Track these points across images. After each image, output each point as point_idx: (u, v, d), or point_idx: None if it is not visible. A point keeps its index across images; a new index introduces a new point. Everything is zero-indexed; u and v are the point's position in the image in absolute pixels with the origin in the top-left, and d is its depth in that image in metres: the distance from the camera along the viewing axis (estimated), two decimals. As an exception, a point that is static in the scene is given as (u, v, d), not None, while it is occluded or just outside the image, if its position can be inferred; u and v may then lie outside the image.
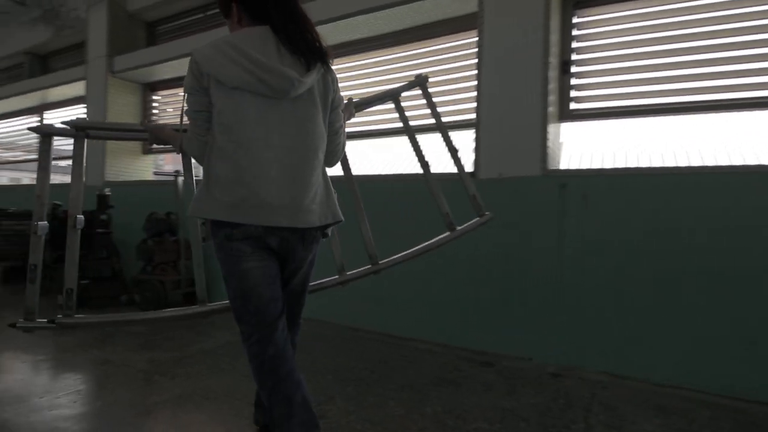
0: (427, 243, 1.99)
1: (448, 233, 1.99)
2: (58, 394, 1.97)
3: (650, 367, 2.23)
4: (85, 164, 1.72)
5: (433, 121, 2.09)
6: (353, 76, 3.51)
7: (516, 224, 2.56)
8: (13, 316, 1.62)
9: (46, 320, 1.48)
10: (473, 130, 2.81)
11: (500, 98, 2.70)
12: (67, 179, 1.71)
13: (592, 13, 2.76)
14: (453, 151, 2.05)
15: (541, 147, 2.56)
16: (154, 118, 5.03)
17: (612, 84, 2.70)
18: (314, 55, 1.32)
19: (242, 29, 1.35)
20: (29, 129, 1.47)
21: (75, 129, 1.53)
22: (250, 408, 1.75)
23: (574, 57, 2.81)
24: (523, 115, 2.63)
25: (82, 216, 1.55)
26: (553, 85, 2.66)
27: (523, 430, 1.73)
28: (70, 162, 1.60)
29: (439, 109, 2.10)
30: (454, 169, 2.10)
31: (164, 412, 1.85)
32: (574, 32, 2.80)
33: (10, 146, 6.94)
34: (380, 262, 1.92)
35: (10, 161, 7.30)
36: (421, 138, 2.10)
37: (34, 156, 5.97)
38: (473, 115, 2.85)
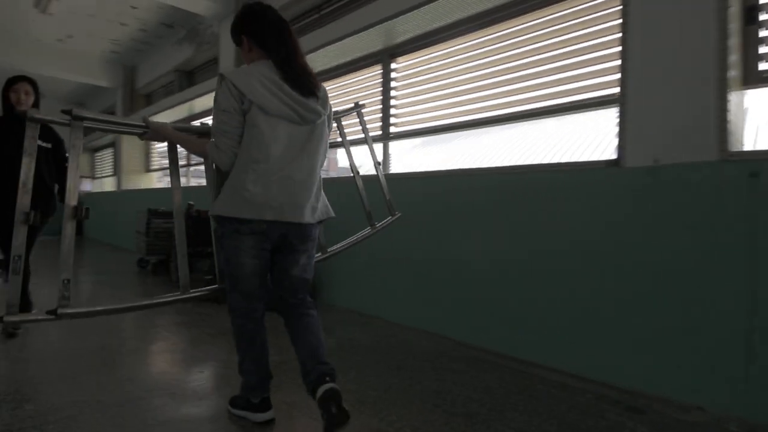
0: (352, 238, 2.46)
1: (369, 229, 2.51)
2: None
3: None
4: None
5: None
6: (487, 51, 3.14)
7: (683, 228, 1.95)
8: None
9: (46, 312, 1.45)
10: (615, 107, 2.25)
11: (654, 63, 2.09)
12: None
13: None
14: (376, 163, 2.60)
15: (717, 122, 1.90)
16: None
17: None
18: (313, 89, 1.67)
19: (259, 61, 1.64)
20: (27, 117, 1.47)
21: (71, 118, 1.51)
22: None
23: (763, 0, 2.06)
24: (688, 82, 1.99)
25: (74, 204, 1.50)
26: (734, 41, 1.98)
27: None
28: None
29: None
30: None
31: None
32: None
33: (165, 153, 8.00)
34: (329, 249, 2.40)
35: (165, 167, 8.44)
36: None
37: (184, 162, 6.76)
38: (615, 89, 2.29)
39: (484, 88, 3.17)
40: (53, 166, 2.83)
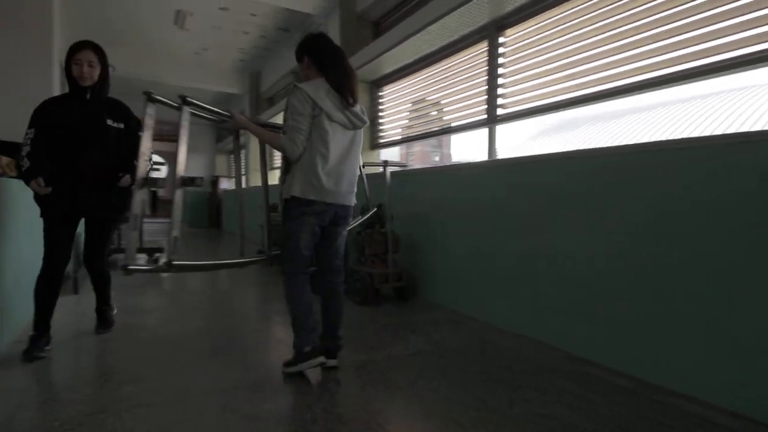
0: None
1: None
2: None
3: None
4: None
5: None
6: (612, 10, 2.64)
7: None
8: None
9: (163, 263, 1.79)
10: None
11: None
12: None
13: None
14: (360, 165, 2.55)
15: None
16: (381, 114, 5.16)
17: None
18: (353, 103, 2.02)
19: (318, 79, 2.01)
20: (143, 92, 1.81)
21: (182, 102, 1.89)
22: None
23: None
24: None
25: (182, 175, 1.86)
26: None
27: None
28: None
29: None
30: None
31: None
32: None
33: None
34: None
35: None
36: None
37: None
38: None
39: (609, 54, 2.64)
40: (123, 149, 2.34)
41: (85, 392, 1.80)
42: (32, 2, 3.65)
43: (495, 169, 2.96)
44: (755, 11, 2.00)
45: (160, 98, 1.85)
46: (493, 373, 2.07)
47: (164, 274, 4.52)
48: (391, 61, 4.56)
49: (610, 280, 2.16)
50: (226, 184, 11.33)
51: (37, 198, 2.18)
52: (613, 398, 1.82)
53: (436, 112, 4.32)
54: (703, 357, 1.81)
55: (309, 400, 1.76)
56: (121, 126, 2.35)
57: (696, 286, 1.83)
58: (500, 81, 3.45)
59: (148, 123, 1.81)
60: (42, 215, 2.21)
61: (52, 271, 2.21)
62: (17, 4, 3.63)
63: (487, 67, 3.56)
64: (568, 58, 2.89)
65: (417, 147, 50.43)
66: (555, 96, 2.98)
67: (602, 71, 2.68)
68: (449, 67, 4.06)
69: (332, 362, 2.06)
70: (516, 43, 3.33)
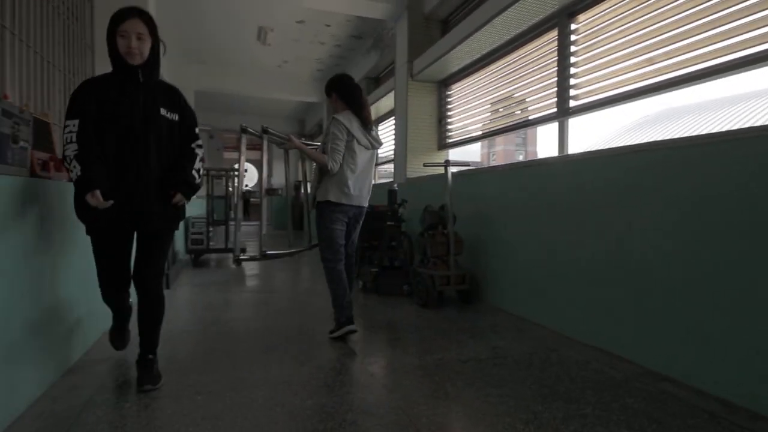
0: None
1: None
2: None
3: None
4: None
5: None
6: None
7: None
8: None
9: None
10: None
11: None
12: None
13: None
14: None
15: None
16: (449, 113, 5.07)
17: None
18: (372, 129, 2.68)
19: (347, 111, 2.59)
20: (241, 127, 2.32)
21: (262, 131, 3.11)
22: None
23: None
24: None
25: (266, 186, 2.20)
26: None
27: None
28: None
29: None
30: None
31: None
32: None
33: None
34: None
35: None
36: None
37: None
38: None
39: (696, 32, 2.32)
40: (176, 146, 1.89)
41: (190, 349, 1.99)
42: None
43: (563, 166, 2.75)
44: None
45: (250, 130, 2.86)
46: (553, 385, 1.92)
47: (240, 274, 4.87)
48: (458, 58, 4.45)
49: (695, 288, 1.90)
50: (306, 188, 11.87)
51: (82, 210, 1.72)
52: (688, 421, 1.59)
53: (502, 109, 4.13)
54: (809, 382, 1.51)
55: (351, 400, 1.77)
56: (176, 118, 1.87)
57: (799, 296, 1.54)
58: (572, 71, 3.21)
59: (243, 149, 2.25)
60: (89, 232, 1.79)
61: (114, 298, 1.94)
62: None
63: (557, 57, 3.33)
64: (649, 39, 2.59)
65: (500, 146, 48.84)
66: (636, 82, 2.68)
67: (689, 51, 2.37)
68: (517, 60, 3.86)
69: (351, 327, 2.56)
70: (590, 29, 3.07)
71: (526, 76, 3.70)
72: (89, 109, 1.69)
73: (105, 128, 1.70)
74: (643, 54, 2.63)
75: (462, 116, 4.80)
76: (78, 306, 2.14)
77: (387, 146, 6.84)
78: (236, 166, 5.27)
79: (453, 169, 3.47)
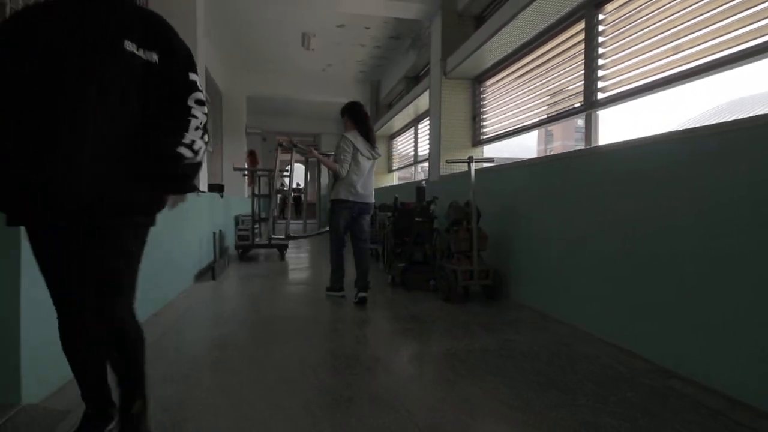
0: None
1: None
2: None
3: None
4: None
5: None
6: None
7: None
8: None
9: None
10: None
11: None
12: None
13: None
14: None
15: None
16: (483, 110, 5.06)
17: None
18: (374, 144, 3.44)
19: (354, 130, 3.37)
20: (277, 140, 3.34)
21: (291, 144, 4.10)
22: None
23: None
24: None
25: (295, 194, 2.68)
26: None
27: None
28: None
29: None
30: None
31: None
32: None
33: (403, 156, 8.81)
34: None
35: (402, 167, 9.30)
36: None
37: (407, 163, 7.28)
38: None
39: (731, 12, 2.19)
40: (155, 102, 1.22)
41: (189, 353, 2.22)
42: (182, 24, 4.51)
43: (588, 158, 2.70)
44: None
45: (284, 144, 4.10)
46: (554, 377, 1.93)
47: (281, 267, 5.14)
48: (490, 54, 4.44)
49: (710, 284, 1.84)
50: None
51: None
52: (685, 416, 1.56)
53: (534, 103, 4.08)
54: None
55: (352, 381, 1.89)
56: (153, 58, 1.21)
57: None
58: (600, 62, 3.13)
59: (277, 160, 2.69)
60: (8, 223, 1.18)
61: (67, 329, 1.27)
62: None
63: (584, 49, 3.26)
64: (683, 23, 2.45)
65: (558, 141, 46.79)
66: (668, 69, 2.54)
67: (726, 33, 2.23)
68: (546, 53, 3.81)
69: (363, 294, 3.29)
70: (616, 19, 2.98)
71: (556, 70, 3.65)
72: (8, 42, 1.11)
73: (34, 73, 1.10)
74: (675, 39, 2.51)
75: (496, 112, 4.77)
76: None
77: (423, 145, 6.91)
78: (286, 168, 5.75)
79: (476, 166, 3.49)
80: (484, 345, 2.36)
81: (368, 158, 3.38)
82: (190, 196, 1.42)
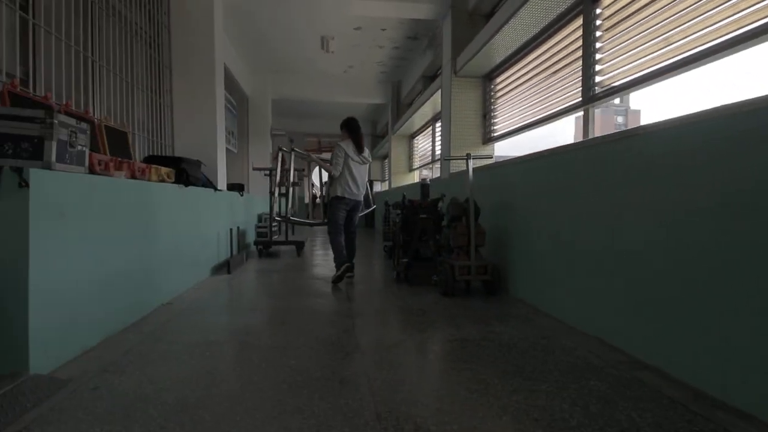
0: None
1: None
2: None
3: None
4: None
5: None
6: None
7: None
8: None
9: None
10: None
11: None
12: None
13: None
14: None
15: None
16: (494, 106, 5.07)
17: None
18: (363, 151, 4.25)
19: (348, 140, 4.17)
20: (279, 148, 4.10)
21: (290, 149, 5.05)
22: None
23: None
24: None
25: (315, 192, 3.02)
26: None
27: None
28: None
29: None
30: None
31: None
32: None
33: (424, 155, 8.87)
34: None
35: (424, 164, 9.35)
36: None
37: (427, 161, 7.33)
38: None
39: None
40: None
41: (223, 325, 2.41)
42: (201, 50, 4.78)
43: (583, 151, 2.70)
44: None
45: (284, 149, 5.11)
46: (523, 365, 1.98)
47: (297, 263, 5.32)
48: (498, 51, 4.47)
49: (683, 279, 1.84)
50: (378, 187, 12.31)
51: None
52: (641, 404, 1.59)
53: (541, 99, 4.07)
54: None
55: (328, 364, 2.01)
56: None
57: None
58: (597, 57, 3.12)
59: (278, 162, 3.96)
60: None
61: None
62: (190, 49, 4.80)
63: (582, 44, 3.25)
64: (683, 10, 2.41)
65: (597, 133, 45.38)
66: (668, 59, 2.48)
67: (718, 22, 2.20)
68: (549, 49, 3.80)
69: (350, 275, 4.16)
70: (614, 10, 2.96)
71: (557, 65, 3.64)
72: None
73: None
74: (676, 26, 2.47)
75: (505, 108, 4.78)
76: (135, 272, 2.65)
77: (441, 144, 6.95)
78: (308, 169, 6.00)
79: (473, 163, 3.53)
80: (465, 335, 2.42)
81: (360, 162, 4.19)
82: (207, 193, 2.18)
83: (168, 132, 4.65)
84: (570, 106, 3.40)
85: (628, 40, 2.81)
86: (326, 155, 7.41)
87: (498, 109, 4.94)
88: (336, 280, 3.92)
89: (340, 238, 4.10)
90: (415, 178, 9.34)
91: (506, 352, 2.16)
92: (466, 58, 4.78)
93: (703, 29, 2.26)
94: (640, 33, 2.69)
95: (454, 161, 5.13)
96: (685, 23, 2.37)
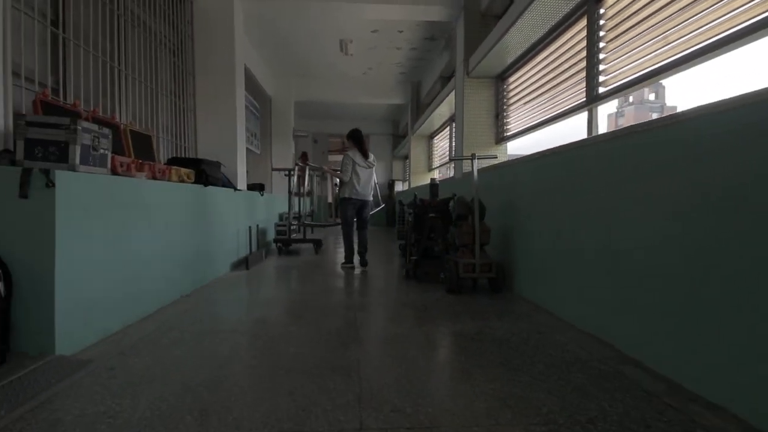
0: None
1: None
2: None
3: None
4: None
5: None
6: None
7: None
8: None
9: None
10: None
11: None
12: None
13: None
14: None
15: None
16: (505, 106, 5.10)
17: None
18: (368, 157, 4.98)
19: (354, 148, 4.91)
20: (296, 163, 4.48)
21: (303, 163, 6.42)
22: None
23: None
24: None
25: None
26: None
27: None
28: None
29: None
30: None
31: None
32: None
33: (443, 154, 8.90)
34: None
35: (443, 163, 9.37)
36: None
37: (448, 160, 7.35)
38: None
39: None
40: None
41: (236, 316, 2.59)
42: (222, 57, 5.02)
43: (582, 150, 2.74)
44: None
45: (299, 163, 6.26)
46: (511, 358, 2.05)
47: (313, 261, 5.49)
48: (509, 51, 4.49)
49: (673, 276, 1.88)
50: (400, 187, 12.40)
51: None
52: (615, 395, 1.64)
53: (545, 100, 4.09)
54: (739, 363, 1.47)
55: (322, 354, 2.14)
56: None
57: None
58: (601, 56, 3.13)
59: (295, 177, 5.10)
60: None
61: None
62: (211, 56, 5.04)
63: (585, 45, 3.27)
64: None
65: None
66: (671, 56, 2.45)
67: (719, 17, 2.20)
68: (557, 49, 3.82)
69: (363, 268, 4.81)
70: (617, 10, 2.97)
71: (565, 65, 3.66)
72: None
73: None
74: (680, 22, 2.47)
75: (516, 106, 4.80)
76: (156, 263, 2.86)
77: (444, 146, 6.98)
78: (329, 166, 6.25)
79: (478, 163, 3.60)
80: (461, 330, 2.50)
81: (365, 167, 4.88)
82: (227, 192, 2.58)
83: (191, 135, 4.90)
84: (575, 106, 3.42)
85: (629, 39, 2.81)
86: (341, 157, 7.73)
87: (510, 109, 4.96)
88: (343, 266, 4.86)
89: (351, 233, 4.91)
90: (436, 176, 9.40)
91: (497, 345, 2.24)
92: (478, 58, 4.83)
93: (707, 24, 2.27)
94: (642, 32, 2.70)
95: (468, 161, 5.18)
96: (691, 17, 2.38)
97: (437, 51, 7.54)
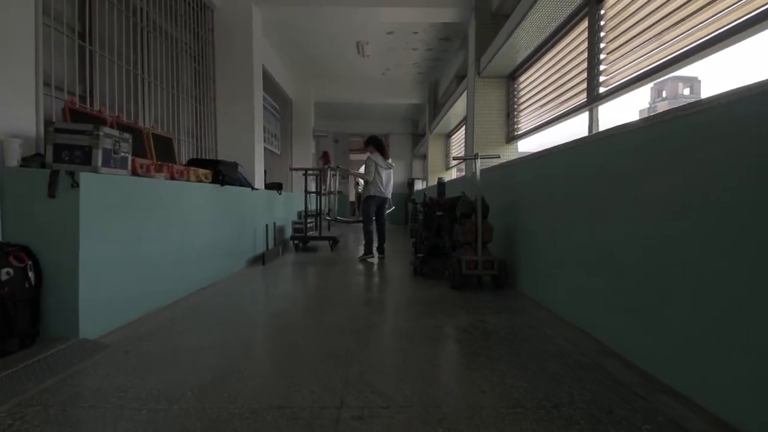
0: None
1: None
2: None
3: None
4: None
5: None
6: None
7: None
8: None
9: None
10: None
11: None
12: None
13: None
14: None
15: None
16: (516, 105, 5.13)
17: None
18: (388, 158, 5.59)
19: (375, 152, 5.50)
20: (322, 166, 5.90)
21: (325, 164, 6.96)
22: None
23: None
24: None
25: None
26: None
27: None
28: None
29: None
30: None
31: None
32: None
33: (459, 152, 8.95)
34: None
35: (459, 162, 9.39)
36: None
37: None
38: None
39: None
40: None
41: (245, 308, 2.78)
42: (242, 58, 5.26)
43: (577, 149, 2.79)
44: None
45: (326, 167, 6.60)
46: (496, 350, 2.15)
47: (328, 258, 5.67)
48: (518, 50, 4.55)
49: (657, 272, 1.94)
50: (420, 186, 12.49)
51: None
52: (589, 385, 1.72)
53: (550, 99, 4.12)
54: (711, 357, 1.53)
55: (321, 344, 2.28)
56: None
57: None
58: (602, 56, 3.17)
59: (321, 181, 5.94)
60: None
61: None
62: (230, 61, 5.28)
63: (587, 45, 3.31)
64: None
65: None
66: (675, 51, 2.44)
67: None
68: (563, 49, 3.85)
69: (380, 255, 5.61)
70: (617, 10, 3.00)
71: (570, 64, 3.70)
72: None
73: None
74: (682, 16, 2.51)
75: (527, 107, 4.84)
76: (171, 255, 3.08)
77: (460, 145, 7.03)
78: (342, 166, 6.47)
79: (481, 163, 3.67)
80: (455, 323, 2.61)
81: (386, 168, 5.45)
82: (244, 192, 2.86)
83: (211, 137, 5.15)
84: (577, 105, 3.46)
85: (630, 39, 2.85)
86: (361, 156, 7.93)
87: (520, 108, 5.00)
88: (362, 259, 5.39)
89: (371, 227, 5.51)
90: (453, 174, 9.45)
91: (486, 338, 2.34)
92: (488, 58, 4.89)
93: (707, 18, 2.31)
94: (643, 31, 2.73)
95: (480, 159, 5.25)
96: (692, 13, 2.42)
97: (453, 51, 7.60)
